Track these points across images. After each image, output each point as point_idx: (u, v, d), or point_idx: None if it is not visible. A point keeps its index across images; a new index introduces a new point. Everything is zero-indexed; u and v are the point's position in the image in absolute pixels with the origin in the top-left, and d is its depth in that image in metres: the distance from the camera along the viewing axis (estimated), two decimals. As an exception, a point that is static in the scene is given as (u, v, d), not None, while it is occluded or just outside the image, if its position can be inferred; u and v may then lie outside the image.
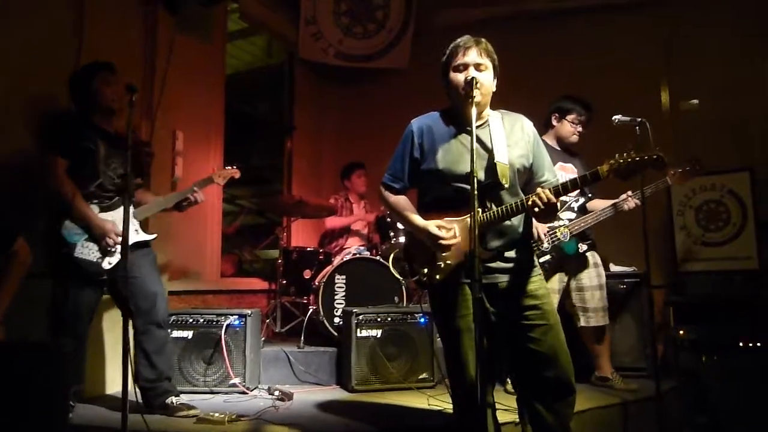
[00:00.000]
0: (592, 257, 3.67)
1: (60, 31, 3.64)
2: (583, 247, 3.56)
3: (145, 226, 3.33)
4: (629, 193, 3.53)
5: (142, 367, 3.13)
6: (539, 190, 2.10)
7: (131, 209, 3.05)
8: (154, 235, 3.25)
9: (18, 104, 3.34)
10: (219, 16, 4.94)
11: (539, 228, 3.32)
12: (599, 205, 3.61)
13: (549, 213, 2.13)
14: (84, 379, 3.19)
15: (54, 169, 2.99)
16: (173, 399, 3.13)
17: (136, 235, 3.15)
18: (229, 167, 3.63)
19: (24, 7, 3.39)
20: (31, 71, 3.40)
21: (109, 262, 3.04)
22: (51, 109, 3.34)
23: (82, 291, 3.02)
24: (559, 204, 2.14)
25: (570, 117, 3.70)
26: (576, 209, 3.59)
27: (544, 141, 3.76)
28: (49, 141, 3.10)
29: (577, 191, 3.22)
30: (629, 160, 2.02)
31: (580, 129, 3.71)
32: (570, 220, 3.54)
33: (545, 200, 2.07)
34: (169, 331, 3.39)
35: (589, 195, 3.67)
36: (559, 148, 3.75)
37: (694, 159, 3.50)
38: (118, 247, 3.03)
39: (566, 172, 3.67)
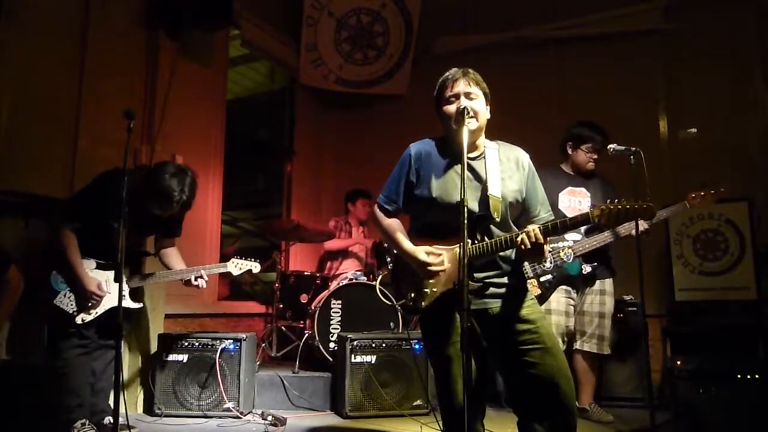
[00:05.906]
0: (601, 284, 3.66)
1: (62, 56, 3.70)
2: (587, 268, 3.53)
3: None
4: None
5: None
6: (529, 227, 2.08)
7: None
8: (140, 305, 3.25)
9: (23, 126, 3.40)
10: (220, 43, 5.01)
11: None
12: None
13: (536, 252, 2.10)
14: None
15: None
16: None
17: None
18: (251, 260, 3.45)
19: (28, 33, 3.45)
20: (33, 94, 3.45)
21: (82, 318, 3.01)
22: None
23: (63, 338, 3.00)
24: (546, 246, 2.12)
25: (585, 146, 3.69)
26: (583, 231, 3.52)
27: (558, 167, 3.77)
28: (81, 195, 3.09)
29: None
30: (619, 207, 2.05)
31: (595, 156, 3.70)
32: (575, 241, 3.49)
33: (533, 239, 2.06)
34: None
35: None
36: (572, 173, 3.75)
37: (714, 184, 3.37)
38: (101, 306, 3.03)
39: (575, 196, 3.66)
